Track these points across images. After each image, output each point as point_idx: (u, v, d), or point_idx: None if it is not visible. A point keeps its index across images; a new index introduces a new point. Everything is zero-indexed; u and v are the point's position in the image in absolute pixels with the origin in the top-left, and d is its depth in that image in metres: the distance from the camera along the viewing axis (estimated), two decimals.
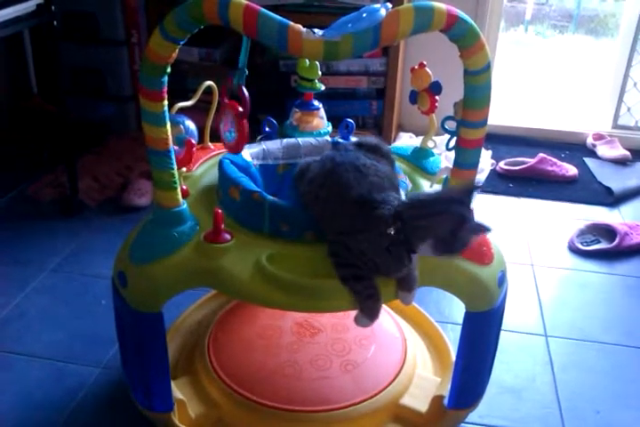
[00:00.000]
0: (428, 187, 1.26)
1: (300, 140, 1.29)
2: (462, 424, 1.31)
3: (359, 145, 1.13)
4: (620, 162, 2.46)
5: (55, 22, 1.83)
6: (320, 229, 1.06)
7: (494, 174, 2.37)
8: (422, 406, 1.25)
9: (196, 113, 1.28)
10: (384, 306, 1.03)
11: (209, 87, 1.27)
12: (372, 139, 1.16)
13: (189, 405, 1.22)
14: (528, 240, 2.00)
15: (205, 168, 1.30)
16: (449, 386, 1.21)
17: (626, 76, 2.57)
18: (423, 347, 1.45)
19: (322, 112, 1.40)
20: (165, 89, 0.98)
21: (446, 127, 1.16)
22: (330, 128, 1.41)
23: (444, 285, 1.09)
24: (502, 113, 2.69)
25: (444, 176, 1.17)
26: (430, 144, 1.35)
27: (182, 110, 1.22)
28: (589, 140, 2.59)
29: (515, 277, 1.72)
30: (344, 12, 0.92)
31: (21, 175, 2.16)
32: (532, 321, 1.64)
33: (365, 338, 1.37)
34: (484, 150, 2.27)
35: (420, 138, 1.37)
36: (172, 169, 1.04)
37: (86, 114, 2.42)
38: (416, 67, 1.27)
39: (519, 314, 1.65)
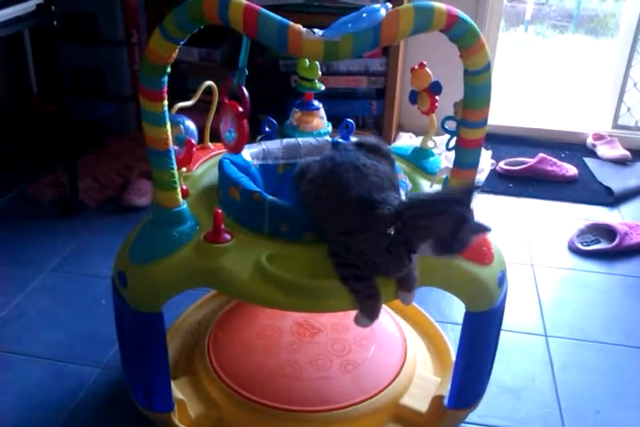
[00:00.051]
0: (428, 187, 1.26)
1: (300, 140, 1.29)
2: (462, 424, 1.31)
3: (359, 145, 1.13)
4: (620, 162, 2.47)
5: (55, 22, 1.83)
6: (320, 229, 1.06)
7: (494, 174, 2.37)
8: (422, 406, 1.25)
9: (196, 113, 1.28)
10: (384, 306, 1.03)
11: (209, 87, 1.27)
12: (371, 139, 1.16)
13: (189, 405, 1.22)
14: (528, 240, 2.00)
15: (205, 168, 1.30)
16: (449, 386, 1.21)
17: (626, 76, 2.57)
18: (423, 347, 1.45)
19: (322, 112, 1.40)
20: (165, 89, 0.98)
21: (446, 127, 1.16)
22: (330, 128, 1.41)
23: (444, 285, 1.09)
24: (502, 113, 2.69)
25: (444, 176, 1.17)
26: (430, 144, 1.35)
27: (182, 110, 1.22)
28: (589, 141, 2.59)
29: (515, 277, 1.72)
30: (344, 11, 0.92)
31: (21, 175, 2.16)
32: (532, 321, 1.64)
33: (365, 338, 1.37)
34: (483, 150, 2.27)
35: (420, 138, 1.37)
36: (172, 169, 1.04)
37: (86, 114, 2.42)
38: (416, 67, 1.27)
39: (519, 314, 1.65)
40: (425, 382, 1.31)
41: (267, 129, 1.36)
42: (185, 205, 1.09)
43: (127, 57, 2.40)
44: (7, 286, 1.70)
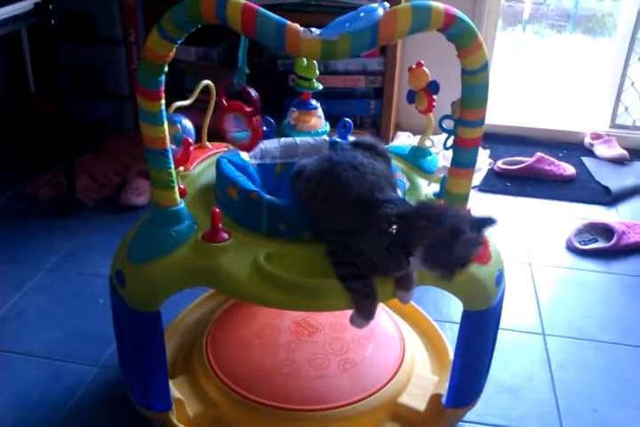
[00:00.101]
0: (426, 186, 1.26)
1: (298, 139, 1.29)
2: (460, 423, 1.31)
3: (356, 144, 1.14)
4: (618, 161, 2.47)
5: (53, 21, 1.83)
6: (317, 228, 1.06)
7: (492, 174, 2.37)
8: (420, 404, 1.25)
9: (194, 112, 1.27)
10: (382, 305, 1.03)
11: (206, 86, 1.27)
12: (368, 138, 1.17)
13: (187, 404, 1.22)
14: (526, 239, 2.00)
15: (203, 167, 1.30)
16: (447, 385, 1.21)
17: (623, 75, 2.58)
18: (421, 346, 1.45)
19: (319, 111, 1.40)
20: (163, 88, 0.98)
21: (444, 126, 1.16)
22: (327, 127, 1.41)
23: (442, 284, 1.09)
24: (500, 112, 2.69)
25: (442, 175, 1.17)
26: (428, 143, 1.35)
27: (180, 109, 1.22)
28: (587, 140, 2.60)
29: (512, 275, 1.72)
30: (341, 11, 0.92)
31: (19, 174, 2.16)
32: (530, 320, 1.64)
33: (363, 337, 1.37)
34: (481, 149, 2.28)
35: (418, 137, 1.37)
36: (170, 168, 1.04)
37: (84, 113, 2.41)
38: (414, 66, 1.27)
39: (517, 313, 1.66)
40: (423, 380, 1.31)
41: (264, 128, 1.36)
42: (182, 205, 1.09)
43: (125, 56, 2.40)
44: (5, 284, 1.69)
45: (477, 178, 2.30)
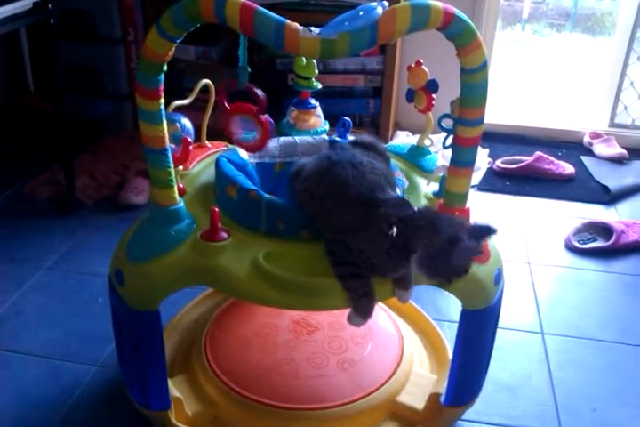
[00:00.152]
0: (425, 185, 1.26)
1: (297, 138, 1.29)
2: (459, 422, 1.31)
3: (354, 144, 1.14)
4: (617, 160, 2.47)
5: (52, 20, 1.83)
6: (316, 227, 1.06)
7: (491, 173, 2.37)
8: (419, 403, 1.25)
9: (193, 111, 1.27)
10: (381, 304, 1.03)
11: (205, 85, 1.27)
12: (367, 137, 1.17)
13: (186, 403, 1.22)
14: (525, 238, 2.00)
15: (202, 166, 1.30)
16: (445, 384, 1.21)
17: (622, 74, 2.58)
18: (420, 345, 1.45)
19: (319, 110, 1.40)
20: (162, 87, 0.98)
21: (443, 125, 1.16)
22: (327, 126, 1.41)
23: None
24: (499, 111, 2.70)
25: (441, 174, 1.17)
26: (427, 142, 1.35)
27: (179, 109, 1.22)
28: (586, 139, 2.60)
29: (511, 275, 1.72)
30: (341, 10, 0.92)
31: (18, 173, 2.16)
32: (529, 319, 1.64)
33: (362, 336, 1.37)
34: (480, 149, 2.28)
35: (417, 136, 1.37)
36: (169, 167, 1.04)
37: (83, 112, 2.41)
38: (413, 65, 1.27)
39: (516, 312, 1.66)
40: (422, 379, 1.31)
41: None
42: (182, 204, 1.09)
43: (124, 55, 2.39)
44: (4, 283, 1.69)
45: (476, 177, 2.30)
